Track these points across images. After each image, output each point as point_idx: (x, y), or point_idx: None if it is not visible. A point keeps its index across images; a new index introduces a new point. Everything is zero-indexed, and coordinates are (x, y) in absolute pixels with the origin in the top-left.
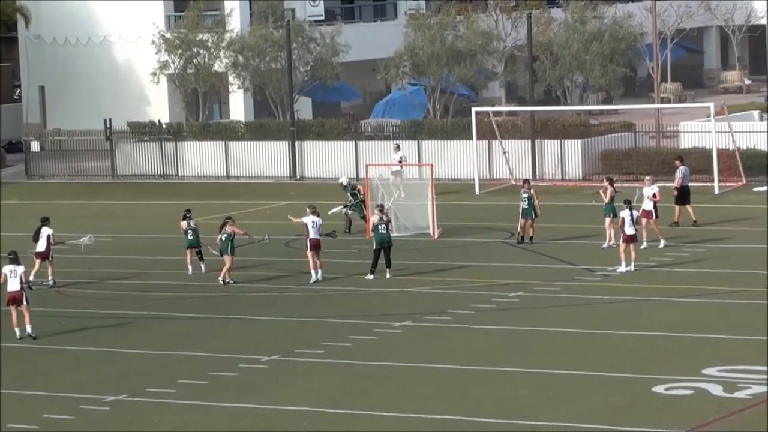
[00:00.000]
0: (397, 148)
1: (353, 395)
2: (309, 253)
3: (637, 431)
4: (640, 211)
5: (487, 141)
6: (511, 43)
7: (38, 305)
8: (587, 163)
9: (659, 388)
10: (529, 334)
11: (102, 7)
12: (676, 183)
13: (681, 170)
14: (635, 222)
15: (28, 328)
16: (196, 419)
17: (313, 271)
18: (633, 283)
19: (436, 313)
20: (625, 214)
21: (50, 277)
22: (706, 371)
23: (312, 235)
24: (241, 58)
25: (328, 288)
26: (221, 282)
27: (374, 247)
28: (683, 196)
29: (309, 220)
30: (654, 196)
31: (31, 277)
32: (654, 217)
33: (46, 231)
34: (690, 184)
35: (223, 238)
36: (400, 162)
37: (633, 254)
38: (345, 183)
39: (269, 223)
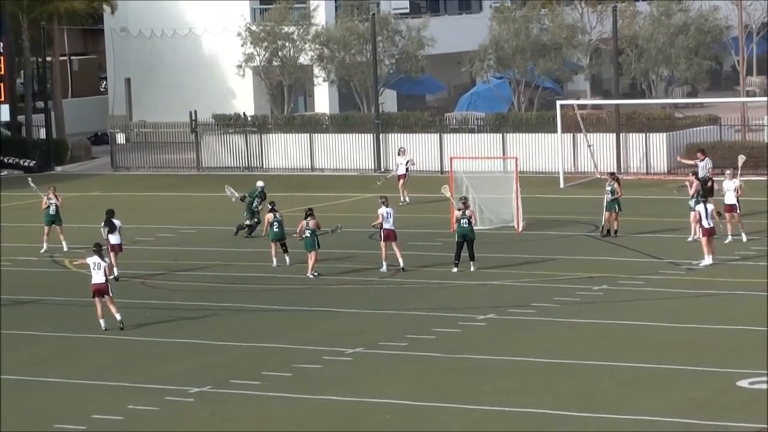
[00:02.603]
0: (402, 152)
1: (436, 388)
2: (383, 244)
3: (722, 425)
4: (723, 205)
5: (571, 134)
6: (596, 36)
7: (124, 297)
8: (672, 156)
9: (743, 383)
10: (613, 328)
11: (188, 0)
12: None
13: (707, 162)
14: (709, 216)
15: (118, 317)
16: (279, 411)
17: (384, 263)
18: (717, 277)
19: (520, 306)
20: (700, 207)
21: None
22: None
23: (386, 225)
24: (326, 51)
25: (411, 280)
26: (310, 277)
27: (456, 240)
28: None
29: (383, 211)
30: (736, 190)
31: (115, 271)
32: (738, 210)
33: (118, 223)
34: None
35: (308, 234)
36: (407, 165)
37: (712, 247)
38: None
39: (351, 215)
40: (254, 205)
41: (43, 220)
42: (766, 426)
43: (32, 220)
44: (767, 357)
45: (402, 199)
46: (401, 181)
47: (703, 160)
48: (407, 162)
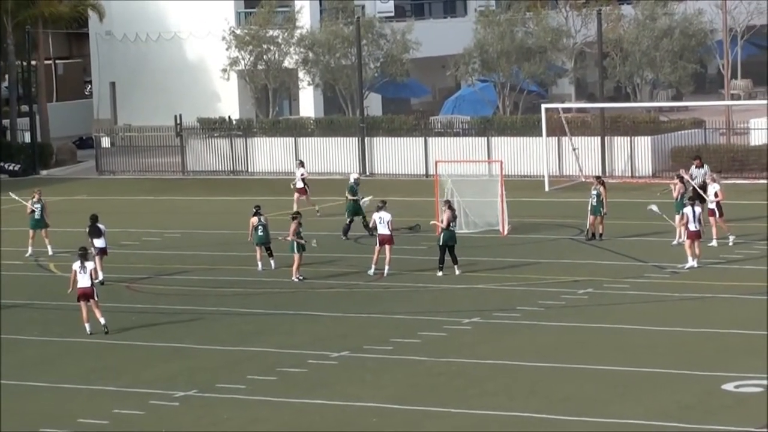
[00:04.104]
0: (301, 164)
1: (422, 392)
2: (376, 248)
3: (707, 428)
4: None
5: (556, 138)
6: (581, 39)
7: (109, 301)
8: (657, 160)
9: (729, 386)
10: (598, 331)
11: (172, 4)
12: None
13: (705, 169)
14: (696, 219)
15: (102, 321)
16: (265, 415)
17: (373, 266)
18: (702, 280)
19: (505, 309)
20: (687, 210)
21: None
22: None
23: (380, 231)
24: (311, 54)
25: (397, 284)
26: (295, 280)
27: (440, 244)
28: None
29: (377, 216)
30: (716, 195)
31: (101, 275)
32: (718, 215)
33: (102, 227)
34: (757, 182)
35: (288, 238)
36: (303, 179)
37: (697, 250)
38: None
39: (336, 219)
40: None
41: (28, 224)
42: (766, 429)
43: (17, 223)
44: (767, 359)
45: (317, 208)
46: (301, 195)
47: (700, 167)
48: (302, 175)
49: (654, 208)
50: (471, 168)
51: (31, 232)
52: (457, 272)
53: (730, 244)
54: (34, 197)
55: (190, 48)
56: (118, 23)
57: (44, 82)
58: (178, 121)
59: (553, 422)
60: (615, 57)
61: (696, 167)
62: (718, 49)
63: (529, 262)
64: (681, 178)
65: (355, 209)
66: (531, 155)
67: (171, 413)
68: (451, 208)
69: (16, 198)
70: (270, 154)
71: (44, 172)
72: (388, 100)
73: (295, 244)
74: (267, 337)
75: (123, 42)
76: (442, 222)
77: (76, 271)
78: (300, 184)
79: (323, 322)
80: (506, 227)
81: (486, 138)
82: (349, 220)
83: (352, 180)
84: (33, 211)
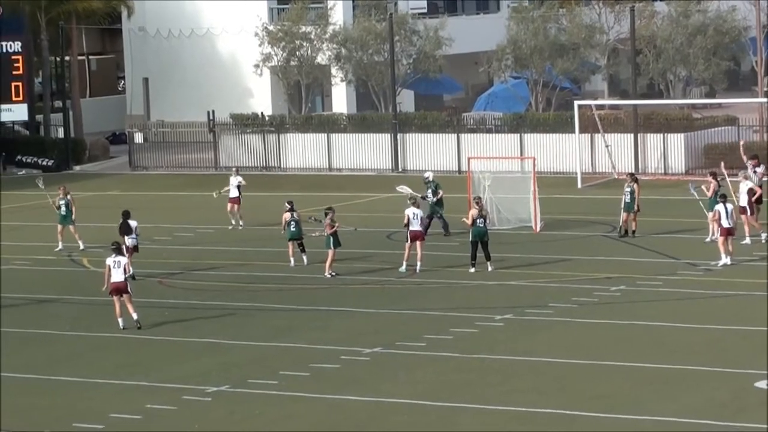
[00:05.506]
0: (236, 172)
1: (454, 388)
2: (407, 245)
3: (740, 426)
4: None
5: (589, 134)
6: (614, 36)
7: (141, 296)
8: (690, 157)
9: (762, 384)
10: (631, 328)
11: (205, 0)
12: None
13: (762, 170)
14: (730, 216)
15: (134, 316)
16: (297, 410)
17: (405, 263)
18: (736, 277)
19: (538, 306)
20: (720, 207)
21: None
22: None
23: (413, 227)
24: (344, 51)
25: (429, 281)
26: (327, 276)
27: (471, 240)
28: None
29: (410, 212)
30: (749, 192)
31: (130, 269)
32: (749, 213)
33: (134, 224)
34: None
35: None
36: (239, 188)
37: (730, 247)
38: (430, 178)
39: (368, 215)
40: (429, 198)
41: (56, 220)
42: None
43: (50, 218)
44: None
45: (233, 222)
46: (234, 205)
47: (757, 166)
48: (239, 183)
49: (692, 189)
50: (503, 165)
51: (59, 227)
52: (489, 269)
53: (763, 241)
54: (59, 194)
55: (223, 44)
56: (151, 19)
57: (77, 78)
58: (211, 117)
59: (586, 419)
60: (648, 54)
61: (754, 167)
62: (752, 46)
63: (561, 259)
64: (715, 176)
65: (431, 208)
66: (564, 152)
67: (203, 408)
68: (479, 204)
69: (42, 186)
70: (302, 150)
71: (77, 168)
72: (420, 97)
73: (331, 239)
74: (299, 332)
75: (156, 38)
76: (467, 219)
77: (109, 266)
78: (235, 193)
79: (356, 318)
80: (539, 224)
81: (519, 135)
82: (436, 216)
83: (425, 178)
84: (59, 207)
